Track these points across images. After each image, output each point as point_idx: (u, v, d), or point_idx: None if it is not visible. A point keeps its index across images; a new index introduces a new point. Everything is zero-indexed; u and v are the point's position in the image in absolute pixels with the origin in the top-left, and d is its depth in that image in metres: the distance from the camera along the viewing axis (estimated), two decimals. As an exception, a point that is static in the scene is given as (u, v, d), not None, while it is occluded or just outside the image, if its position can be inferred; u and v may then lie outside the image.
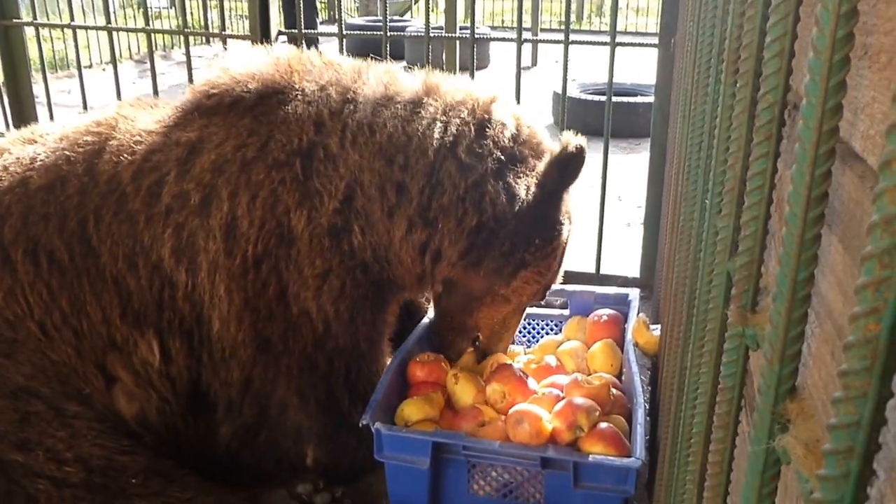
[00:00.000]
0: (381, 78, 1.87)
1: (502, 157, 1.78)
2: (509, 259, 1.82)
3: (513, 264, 1.83)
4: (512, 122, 1.83)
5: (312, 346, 1.85)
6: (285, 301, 1.80)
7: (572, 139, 1.79)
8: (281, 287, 1.79)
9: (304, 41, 3.03)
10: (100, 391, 1.82)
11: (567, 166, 1.79)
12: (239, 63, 1.90)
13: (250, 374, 1.85)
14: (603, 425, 1.74)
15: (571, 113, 5.64)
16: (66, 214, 1.80)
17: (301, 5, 3.18)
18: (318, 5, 9.46)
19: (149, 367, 1.83)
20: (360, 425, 1.75)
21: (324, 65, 1.90)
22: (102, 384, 1.83)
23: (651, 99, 3.06)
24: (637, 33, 11.37)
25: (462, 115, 1.79)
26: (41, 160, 1.86)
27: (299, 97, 1.81)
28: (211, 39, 9.65)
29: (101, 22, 3.39)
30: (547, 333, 2.49)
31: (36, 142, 1.95)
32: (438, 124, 1.77)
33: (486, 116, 1.80)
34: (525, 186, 1.79)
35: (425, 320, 2.25)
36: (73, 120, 2.04)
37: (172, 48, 10.07)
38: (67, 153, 1.85)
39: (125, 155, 1.82)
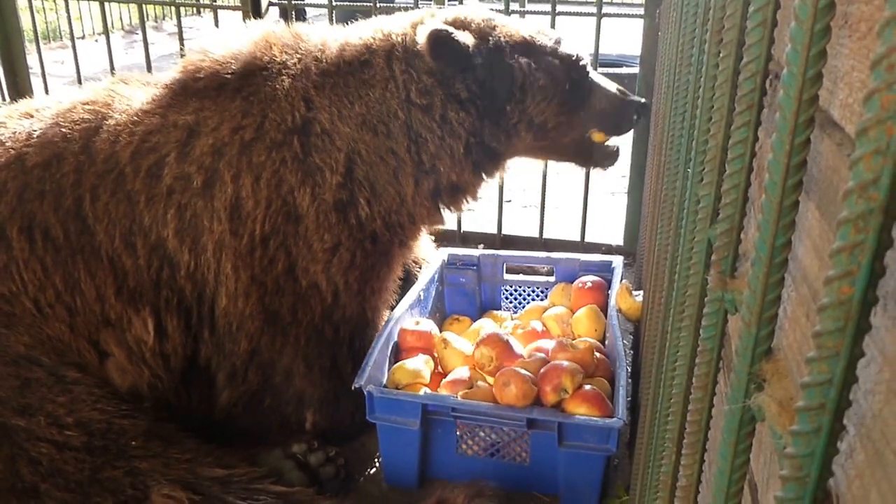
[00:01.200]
0: (338, 42, 1.92)
1: (439, 79, 1.84)
2: (510, 134, 1.91)
3: (508, 136, 1.92)
4: (425, 40, 1.85)
5: (321, 316, 1.90)
6: (294, 275, 1.85)
7: (428, 29, 1.84)
8: (290, 262, 1.84)
9: (293, 13, 3.03)
10: (93, 365, 1.84)
11: (439, 53, 1.82)
12: (218, 44, 1.91)
13: (258, 344, 1.89)
14: (587, 387, 1.78)
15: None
16: (61, 192, 1.80)
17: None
18: None
19: (142, 345, 1.85)
20: (353, 388, 1.78)
21: (294, 36, 1.94)
22: (95, 359, 1.85)
23: (636, 70, 3.06)
24: (623, 4, 11.26)
25: (398, 62, 1.84)
26: (37, 136, 1.85)
27: (283, 71, 1.85)
28: (202, 10, 9.51)
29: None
30: (533, 299, 2.52)
31: (32, 116, 1.93)
32: (391, 81, 1.84)
33: (412, 49, 1.85)
34: (463, 86, 1.85)
35: (415, 287, 2.27)
36: (69, 94, 2.02)
37: (164, 19, 9.92)
38: (64, 130, 1.85)
39: (123, 135, 1.83)
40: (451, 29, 1.82)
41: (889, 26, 0.31)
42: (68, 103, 1.94)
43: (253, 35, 1.93)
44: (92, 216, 1.81)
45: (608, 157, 2.12)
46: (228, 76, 1.85)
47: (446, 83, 1.84)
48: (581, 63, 1.98)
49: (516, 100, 1.88)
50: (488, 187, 2.09)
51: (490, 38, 1.87)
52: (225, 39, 1.94)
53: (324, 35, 1.97)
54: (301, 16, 7.50)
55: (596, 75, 2.06)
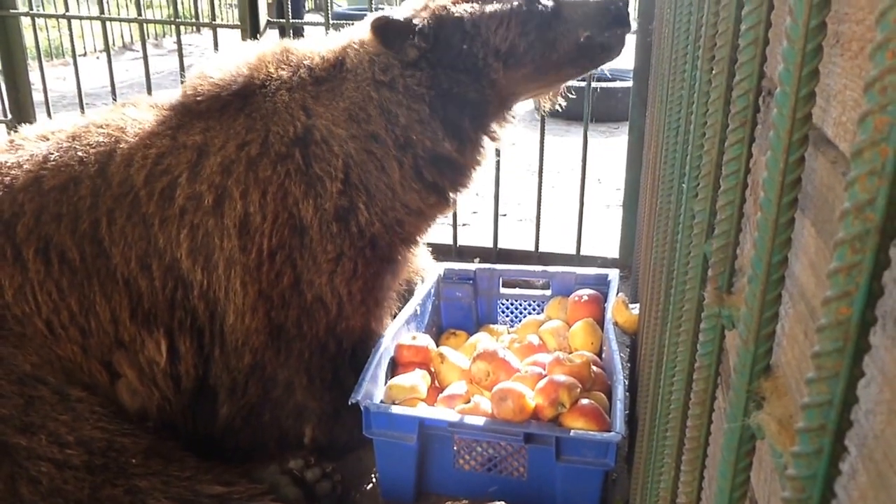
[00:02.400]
0: (319, 50, 1.98)
1: (394, 54, 1.90)
2: (480, 83, 1.92)
3: (478, 76, 1.91)
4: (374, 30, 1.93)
5: (325, 329, 1.91)
6: (299, 289, 1.86)
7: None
8: (295, 276, 1.85)
9: (291, 31, 3.07)
10: (103, 386, 1.85)
11: (384, 37, 1.89)
12: (215, 68, 1.95)
13: (261, 358, 1.89)
14: (584, 401, 1.78)
15: (550, 94, 5.66)
16: (78, 215, 1.82)
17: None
18: None
19: (154, 366, 1.86)
20: (350, 403, 1.78)
21: (284, 50, 1.98)
22: (106, 379, 1.85)
23: (629, 84, 3.07)
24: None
25: (362, 53, 1.92)
26: (54, 159, 1.87)
27: (281, 86, 1.89)
28: (201, 29, 9.60)
29: (95, 12, 3.46)
30: (529, 313, 2.52)
31: (48, 139, 1.95)
32: (359, 69, 1.90)
33: (369, 39, 1.93)
34: (415, 47, 1.89)
35: (412, 301, 2.27)
36: (81, 118, 2.05)
37: (164, 36, 10.00)
38: (80, 153, 1.87)
39: (136, 158, 1.85)
40: (386, 14, 1.90)
41: (881, 49, 0.31)
42: (83, 126, 1.96)
43: (247, 56, 1.97)
44: (108, 239, 1.82)
45: (602, 50, 2.02)
46: (231, 98, 1.89)
47: (400, 54, 1.90)
48: None
49: (471, 35, 1.90)
50: (482, 148, 2.02)
51: (430, 6, 1.94)
52: (221, 62, 1.98)
53: (309, 46, 2.02)
54: (299, 34, 7.56)
55: None
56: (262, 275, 1.83)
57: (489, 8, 1.92)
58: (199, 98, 1.91)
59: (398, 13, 1.92)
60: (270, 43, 2.06)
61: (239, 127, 1.85)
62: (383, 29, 1.88)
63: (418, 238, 2.10)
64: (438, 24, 1.90)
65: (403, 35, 1.88)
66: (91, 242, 1.82)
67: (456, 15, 1.91)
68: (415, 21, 1.89)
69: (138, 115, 1.97)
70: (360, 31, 2.00)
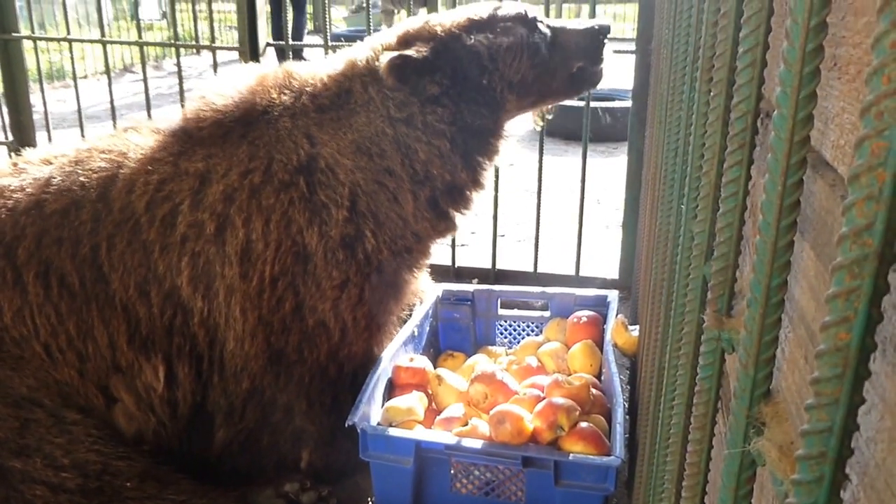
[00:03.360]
0: (321, 76, 1.96)
1: (410, 90, 1.89)
2: (486, 112, 1.94)
3: (493, 107, 1.95)
4: (389, 60, 1.94)
5: (326, 355, 1.90)
6: (301, 314, 1.85)
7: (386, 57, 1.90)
8: (297, 302, 1.84)
9: (291, 53, 3.10)
10: (100, 410, 1.84)
11: (399, 73, 1.88)
12: (218, 93, 1.94)
13: (260, 383, 1.88)
14: (583, 424, 1.76)
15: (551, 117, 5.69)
16: (79, 240, 1.81)
17: (284, 16, 3.20)
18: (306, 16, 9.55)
19: (151, 392, 1.85)
20: (347, 425, 1.76)
21: (286, 75, 1.97)
22: (103, 404, 1.84)
23: (628, 104, 3.09)
24: (614, 39, 11.44)
25: (373, 85, 1.91)
26: (56, 183, 1.87)
27: (284, 112, 1.88)
28: (201, 50, 9.68)
29: (96, 34, 3.49)
30: (528, 335, 2.51)
31: (51, 163, 1.95)
32: (371, 102, 1.90)
33: (380, 70, 1.91)
34: (436, 83, 1.90)
35: (409, 323, 2.26)
36: (84, 142, 2.04)
37: (164, 58, 10.09)
38: (82, 178, 1.87)
39: (138, 184, 1.84)
40: (403, 53, 1.88)
41: (876, 74, 0.31)
42: (86, 151, 1.95)
43: (249, 80, 1.96)
44: (107, 264, 1.81)
45: (591, 78, 2.16)
46: (233, 125, 1.88)
47: (417, 91, 1.89)
48: (531, 16, 2.05)
49: (489, 70, 1.93)
50: (488, 173, 2.07)
51: (440, 35, 1.94)
52: (223, 87, 1.96)
53: (311, 70, 2.01)
54: (298, 55, 7.64)
55: (551, 21, 2.12)
56: (262, 301, 1.82)
57: (501, 40, 1.95)
58: (201, 124, 1.90)
59: (414, 50, 1.90)
60: (272, 66, 2.06)
61: (242, 154, 1.84)
62: (401, 68, 1.87)
63: (423, 262, 2.10)
64: (456, 59, 1.91)
65: (421, 72, 1.88)
66: (91, 267, 1.81)
67: (473, 49, 1.92)
68: (430, 57, 1.89)
69: (140, 140, 1.97)
70: (361, 54, 1.99)
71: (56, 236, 1.81)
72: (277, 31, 7.86)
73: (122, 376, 1.84)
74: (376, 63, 1.92)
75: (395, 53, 1.88)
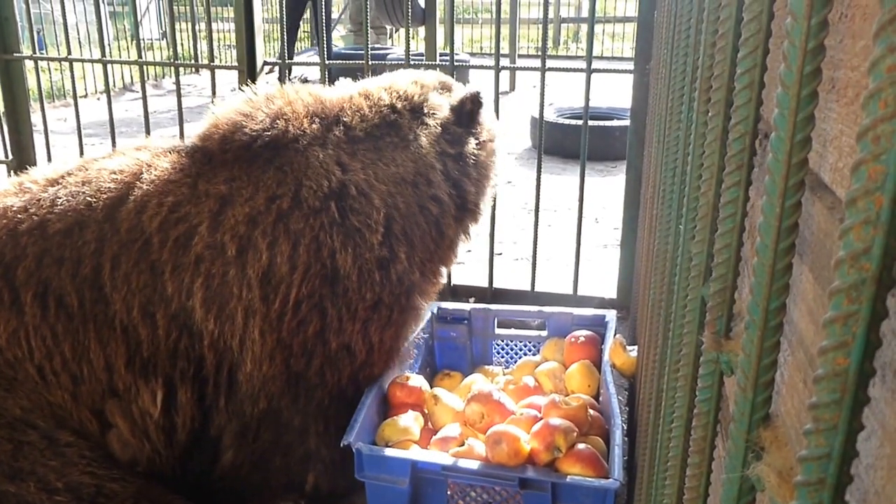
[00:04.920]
0: (359, 103, 1.99)
1: (459, 128, 2.06)
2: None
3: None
4: (445, 101, 2.10)
5: (347, 378, 1.91)
6: (324, 338, 1.84)
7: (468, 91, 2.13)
8: (322, 325, 1.83)
9: (289, 70, 3.11)
10: (94, 435, 1.81)
11: (465, 113, 2.09)
12: (245, 115, 1.92)
13: (277, 405, 1.86)
14: (581, 446, 1.74)
15: (549, 137, 5.71)
16: (80, 260, 1.78)
17: (295, 37, 3.23)
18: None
19: (147, 418, 1.82)
20: (342, 445, 1.75)
21: (316, 101, 1.97)
22: (97, 429, 1.81)
23: (626, 123, 3.10)
24: (613, 58, 11.54)
25: (426, 117, 2.03)
26: (61, 203, 1.84)
27: (314, 141, 1.88)
28: (200, 69, 9.74)
29: (97, 54, 3.52)
30: (525, 354, 2.50)
31: (59, 183, 1.91)
32: (421, 138, 1.98)
33: (432, 106, 2.06)
34: (473, 145, 2.09)
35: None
36: (94, 162, 2.00)
37: (164, 77, 10.16)
38: (89, 199, 1.84)
39: (150, 205, 1.82)
40: (478, 91, 2.10)
41: (873, 99, 0.31)
42: (95, 171, 1.92)
43: (278, 103, 1.94)
44: (110, 285, 1.78)
45: None
46: (261, 150, 1.87)
47: (475, 132, 2.08)
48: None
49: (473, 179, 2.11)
50: None
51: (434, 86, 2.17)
52: (247, 108, 1.94)
53: (342, 96, 2.02)
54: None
55: None
56: (283, 324, 1.80)
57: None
58: (225, 146, 1.88)
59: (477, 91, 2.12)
60: (300, 88, 2.03)
61: (269, 180, 1.83)
62: (474, 112, 2.08)
63: (437, 289, 2.18)
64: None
65: (475, 119, 2.10)
66: (91, 288, 1.78)
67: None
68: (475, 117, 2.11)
69: (154, 160, 1.93)
70: (408, 87, 2.08)
71: (57, 256, 1.78)
72: (290, 49, 7.95)
73: (118, 401, 1.81)
74: (423, 99, 2.05)
75: (474, 91, 2.08)
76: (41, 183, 1.94)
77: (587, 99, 2.90)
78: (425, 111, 2.02)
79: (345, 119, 1.94)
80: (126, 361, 1.79)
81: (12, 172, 2.10)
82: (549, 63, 2.91)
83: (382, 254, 1.85)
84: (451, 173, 1.99)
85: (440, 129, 2.01)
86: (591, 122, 3.02)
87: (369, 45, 3.04)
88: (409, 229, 1.90)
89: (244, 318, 1.79)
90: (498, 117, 2.98)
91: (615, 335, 2.24)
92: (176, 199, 1.82)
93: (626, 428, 2.11)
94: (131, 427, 1.82)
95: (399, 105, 2.00)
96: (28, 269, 1.78)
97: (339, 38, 14.35)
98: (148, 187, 1.85)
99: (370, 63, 2.99)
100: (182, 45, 10.91)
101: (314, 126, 1.90)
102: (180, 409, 1.82)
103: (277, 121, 1.90)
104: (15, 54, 3.60)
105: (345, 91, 2.06)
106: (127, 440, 1.82)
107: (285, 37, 3.23)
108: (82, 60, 4.22)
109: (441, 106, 2.06)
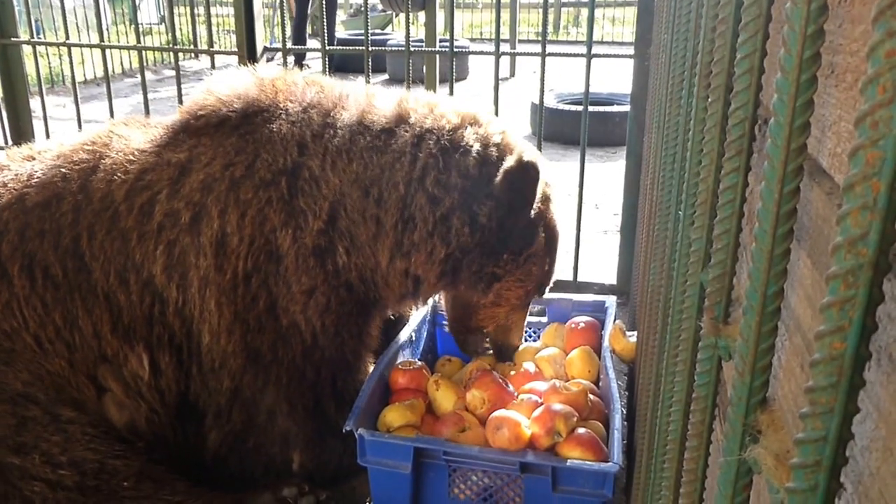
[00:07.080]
0: (359, 103, 1.88)
1: (468, 186, 1.77)
2: (481, 276, 1.85)
3: (485, 280, 1.86)
4: (478, 145, 1.81)
5: (301, 356, 1.88)
6: (275, 314, 1.83)
7: (522, 153, 1.79)
8: (271, 300, 1.82)
9: (289, 56, 3.11)
10: (91, 400, 1.84)
11: (513, 182, 1.77)
12: (224, 84, 1.92)
13: (240, 382, 1.87)
14: (581, 430, 1.76)
15: (549, 123, 5.69)
16: (60, 231, 1.82)
17: (284, 22, 3.21)
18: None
19: (138, 380, 1.85)
20: (344, 431, 1.76)
21: (307, 85, 1.93)
22: (94, 394, 1.85)
23: (627, 108, 3.09)
24: (613, 43, 11.48)
25: (430, 147, 1.78)
26: (38, 177, 1.88)
27: (283, 117, 1.84)
28: (199, 54, 9.70)
29: (95, 39, 3.50)
30: (525, 340, 2.50)
31: (34, 158, 1.96)
32: (408, 156, 1.78)
33: (455, 144, 1.80)
34: (488, 211, 1.78)
35: (406, 328, 2.25)
36: (70, 137, 2.04)
37: (162, 62, 10.11)
38: (63, 171, 1.87)
39: (118, 174, 1.84)
40: (538, 166, 1.78)
41: (872, 84, 0.31)
42: (69, 145, 1.96)
43: (261, 78, 1.93)
44: (89, 254, 1.82)
45: None
46: (230, 115, 1.86)
47: (473, 195, 1.78)
48: None
49: (507, 260, 1.85)
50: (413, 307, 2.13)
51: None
52: (231, 80, 1.93)
53: (347, 91, 1.94)
54: (299, 59, 7.66)
55: None
56: (237, 296, 1.80)
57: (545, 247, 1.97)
58: (200, 112, 1.87)
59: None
60: (296, 73, 1.99)
61: (229, 146, 1.82)
62: (520, 176, 1.75)
63: (387, 303, 2.01)
64: (518, 224, 1.85)
65: (518, 202, 1.80)
66: (73, 257, 1.82)
67: (537, 233, 1.90)
68: (529, 205, 1.82)
69: (126, 132, 1.96)
70: (417, 107, 1.85)
71: (38, 229, 1.82)
72: (299, 35, 7.90)
73: (110, 365, 1.84)
74: (449, 129, 1.81)
75: (534, 158, 1.77)
76: (18, 159, 1.98)
77: (587, 84, 2.89)
78: (435, 138, 1.80)
79: (328, 107, 1.86)
80: (111, 328, 1.82)
81: (5, 156, 2.11)
82: (550, 48, 2.89)
83: (320, 242, 1.80)
84: (409, 206, 1.77)
85: (439, 163, 1.77)
86: (591, 108, 3.01)
87: (369, 32, 3.02)
88: (354, 231, 1.81)
89: (200, 287, 1.81)
90: (497, 104, 2.99)
91: (615, 321, 2.25)
92: (141, 167, 1.85)
93: (625, 412, 2.13)
94: (125, 389, 1.85)
95: (412, 118, 1.83)
96: (12, 243, 1.82)
97: (340, 23, 14.26)
98: (117, 156, 1.88)
99: (370, 50, 2.99)
100: (181, 29, 10.84)
101: (289, 105, 1.86)
102: (162, 373, 1.86)
103: (253, 92, 1.87)
104: (13, 38, 3.59)
105: (360, 89, 1.97)
106: (122, 402, 1.85)
107: (295, 23, 3.22)
108: (81, 45, 4.19)
109: (473, 148, 1.79)
